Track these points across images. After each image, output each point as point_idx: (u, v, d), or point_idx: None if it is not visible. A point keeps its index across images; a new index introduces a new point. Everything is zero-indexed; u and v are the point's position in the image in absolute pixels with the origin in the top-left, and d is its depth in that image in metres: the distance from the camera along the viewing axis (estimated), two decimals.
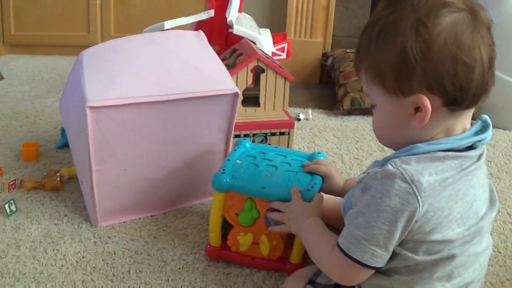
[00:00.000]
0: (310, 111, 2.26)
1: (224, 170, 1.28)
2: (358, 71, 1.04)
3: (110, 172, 1.40)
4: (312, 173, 1.32)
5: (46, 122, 2.19)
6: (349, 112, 2.28)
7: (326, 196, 1.36)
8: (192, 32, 1.64)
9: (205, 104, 1.44)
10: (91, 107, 1.29)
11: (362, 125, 2.18)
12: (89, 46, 3.00)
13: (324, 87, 2.61)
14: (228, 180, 1.24)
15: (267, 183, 1.25)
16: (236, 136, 1.68)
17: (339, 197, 1.36)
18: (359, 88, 2.25)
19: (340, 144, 2.02)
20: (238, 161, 1.32)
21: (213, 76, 1.48)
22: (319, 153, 1.40)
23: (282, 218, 1.22)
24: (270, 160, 1.34)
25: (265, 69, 1.75)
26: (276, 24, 2.75)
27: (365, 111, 2.27)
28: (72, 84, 1.50)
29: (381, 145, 1.89)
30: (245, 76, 1.74)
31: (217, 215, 1.28)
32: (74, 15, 3.20)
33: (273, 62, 1.81)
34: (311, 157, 1.39)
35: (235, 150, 1.38)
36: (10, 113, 2.32)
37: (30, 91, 2.62)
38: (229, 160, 1.32)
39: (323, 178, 1.32)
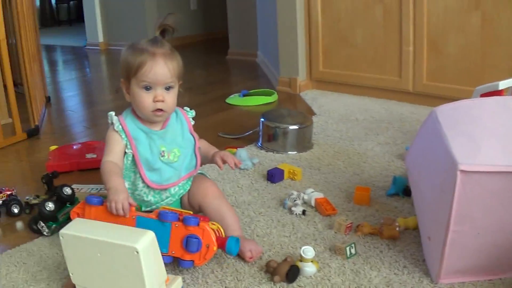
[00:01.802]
0: None
1: None
2: None
3: (463, 234, 1.47)
4: None
5: (371, 167, 2.34)
6: None
7: None
8: None
9: None
10: (461, 171, 1.37)
11: None
12: (400, 92, 3.19)
13: None
14: None
15: None
16: None
17: None
18: None
19: None
20: None
21: None
22: None
23: None
24: None
25: None
26: None
27: None
28: (429, 142, 1.60)
29: None
30: None
31: None
32: (386, 59, 3.36)
33: None
34: None
35: None
36: (331, 151, 2.52)
37: (347, 131, 2.80)
38: None
39: None
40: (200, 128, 1.87)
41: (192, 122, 1.83)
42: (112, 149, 1.72)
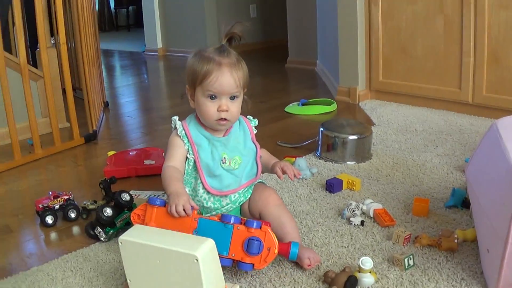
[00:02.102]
0: None
1: None
2: None
3: None
4: None
5: (430, 178, 2.37)
6: None
7: None
8: None
9: None
10: None
11: None
12: (460, 103, 3.20)
13: None
14: None
15: None
16: None
17: None
18: None
19: None
20: None
21: None
22: None
23: None
24: None
25: None
26: None
27: None
28: (489, 155, 1.63)
29: None
30: None
31: None
32: (446, 70, 3.37)
33: None
34: None
35: None
36: (390, 162, 2.56)
37: (406, 142, 2.84)
38: None
39: None
40: (259, 137, 1.92)
41: (255, 131, 1.90)
42: (174, 154, 1.79)
